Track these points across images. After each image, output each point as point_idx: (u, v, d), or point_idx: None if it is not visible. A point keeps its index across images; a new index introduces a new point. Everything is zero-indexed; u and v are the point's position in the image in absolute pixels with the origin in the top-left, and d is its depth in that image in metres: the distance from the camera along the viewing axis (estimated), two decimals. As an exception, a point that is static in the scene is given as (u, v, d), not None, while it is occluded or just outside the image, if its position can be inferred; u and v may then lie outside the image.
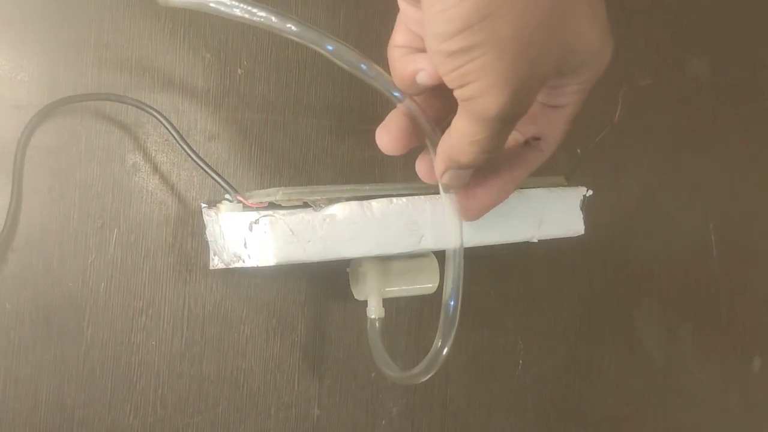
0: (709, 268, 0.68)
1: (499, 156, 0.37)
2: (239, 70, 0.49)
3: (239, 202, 0.42)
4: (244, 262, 0.41)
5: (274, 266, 0.40)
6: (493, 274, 0.57)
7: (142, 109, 0.45)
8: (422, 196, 0.43)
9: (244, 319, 0.48)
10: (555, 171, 0.49)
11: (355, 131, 0.53)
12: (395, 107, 0.37)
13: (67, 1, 0.45)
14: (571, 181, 0.50)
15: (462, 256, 0.39)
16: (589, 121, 0.61)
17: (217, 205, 0.43)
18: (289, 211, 0.40)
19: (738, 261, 0.69)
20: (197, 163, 0.44)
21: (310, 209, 0.40)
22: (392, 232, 0.42)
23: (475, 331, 0.57)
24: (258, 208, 0.41)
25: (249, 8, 0.33)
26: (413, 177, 0.40)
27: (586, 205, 0.49)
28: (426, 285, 0.48)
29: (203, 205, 0.46)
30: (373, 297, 0.46)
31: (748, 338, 0.70)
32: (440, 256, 0.48)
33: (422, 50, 0.34)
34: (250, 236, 0.40)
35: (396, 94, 0.36)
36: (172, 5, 0.34)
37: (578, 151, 0.61)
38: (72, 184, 0.44)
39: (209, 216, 0.45)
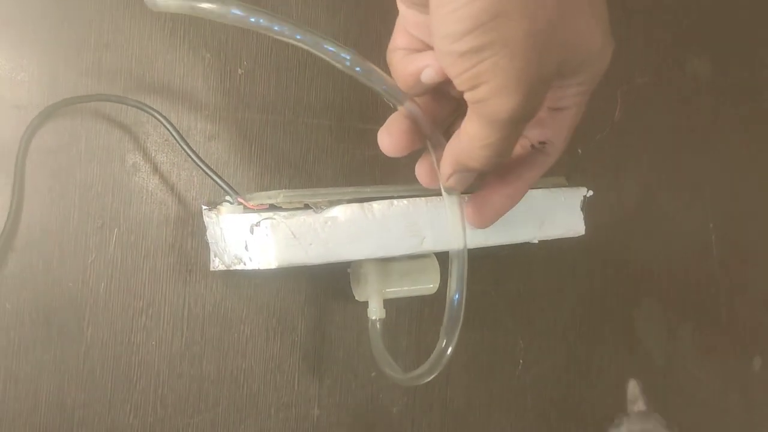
0: (709, 268, 0.68)
1: (508, 161, 0.37)
2: (239, 70, 0.49)
3: (240, 204, 0.42)
4: (245, 264, 0.41)
5: (275, 268, 0.40)
6: (494, 274, 0.57)
7: (143, 110, 0.45)
8: (423, 198, 0.43)
9: (244, 319, 0.48)
10: (555, 171, 0.49)
11: (355, 131, 0.52)
12: (396, 109, 0.37)
13: (67, 1, 0.45)
14: (571, 181, 0.50)
15: (466, 255, 0.39)
16: (589, 121, 0.61)
17: (218, 207, 0.43)
18: (290, 213, 0.40)
19: (738, 261, 0.69)
20: (197, 165, 0.44)
21: (311, 211, 0.40)
22: (393, 234, 0.42)
23: (476, 331, 0.57)
24: (259, 210, 0.40)
25: (243, 13, 0.33)
26: (414, 178, 0.40)
27: (586, 205, 0.49)
28: (427, 285, 0.48)
29: (204, 206, 0.46)
30: (374, 298, 0.46)
31: (748, 338, 0.70)
32: (440, 256, 0.48)
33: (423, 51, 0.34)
34: (251, 239, 0.40)
35: (397, 96, 0.36)
36: (160, 10, 0.34)
37: (579, 151, 0.61)
38: (72, 184, 0.44)
39: (210, 218, 0.45)
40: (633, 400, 0.44)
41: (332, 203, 0.41)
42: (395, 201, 0.42)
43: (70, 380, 0.44)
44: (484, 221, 0.40)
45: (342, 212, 0.41)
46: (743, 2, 0.71)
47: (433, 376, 0.40)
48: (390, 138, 0.37)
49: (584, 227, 0.49)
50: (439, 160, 0.37)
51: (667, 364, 0.65)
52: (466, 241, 0.39)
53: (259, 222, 0.39)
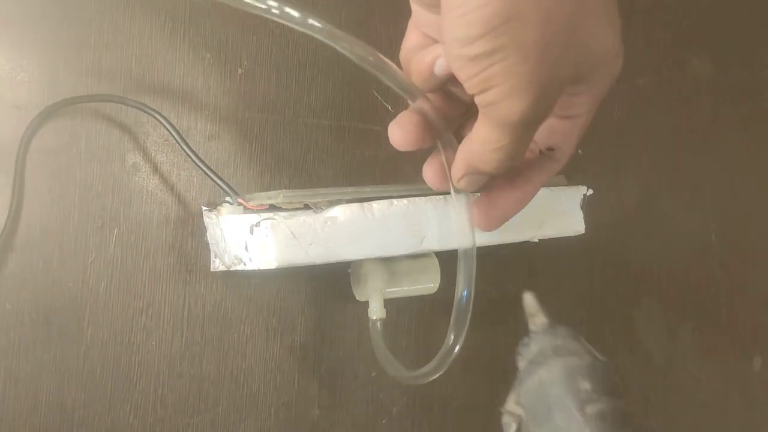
0: (709, 268, 0.68)
1: (517, 165, 0.36)
2: (239, 69, 0.49)
3: (240, 204, 0.42)
4: (245, 264, 0.41)
5: (275, 269, 0.40)
6: (494, 273, 0.57)
7: (143, 110, 0.45)
8: (423, 197, 0.43)
9: (244, 319, 0.48)
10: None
11: (355, 131, 0.52)
12: (403, 108, 0.37)
13: (67, 1, 0.45)
14: (571, 180, 0.50)
15: (475, 253, 0.38)
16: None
17: (218, 207, 0.43)
18: (290, 213, 0.40)
19: (738, 261, 0.69)
20: (197, 165, 0.44)
21: (310, 211, 0.40)
22: (393, 233, 0.42)
23: (476, 331, 0.56)
24: (259, 211, 0.40)
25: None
26: (414, 178, 0.40)
27: (586, 205, 0.49)
28: (427, 285, 0.48)
29: (204, 207, 0.46)
30: (374, 298, 0.46)
31: (748, 338, 0.70)
32: (441, 256, 0.48)
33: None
34: (251, 239, 0.40)
35: (410, 92, 0.35)
36: None
37: (579, 151, 0.61)
38: (72, 184, 0.44)
39: (210, 218, 0.45)
40: (533, 313, 0.43)
41: (332, 203, 0.41)
42: (395, 201, 0.43)
43: (70, 380, 0.44)
44: (491, 224, 0.40)
45: (342, 212, 0.41)
46: (743, 2, 0.71)
47: (439, 374, 0.40)
48: (401, 130, 0.36)
49: (584, 226, 0.49)
50: (449, 159, 0.36)
51: (667, 364, 0.65)
52: (474, 238, 0.38)
53: (259, 222, 0.39)
